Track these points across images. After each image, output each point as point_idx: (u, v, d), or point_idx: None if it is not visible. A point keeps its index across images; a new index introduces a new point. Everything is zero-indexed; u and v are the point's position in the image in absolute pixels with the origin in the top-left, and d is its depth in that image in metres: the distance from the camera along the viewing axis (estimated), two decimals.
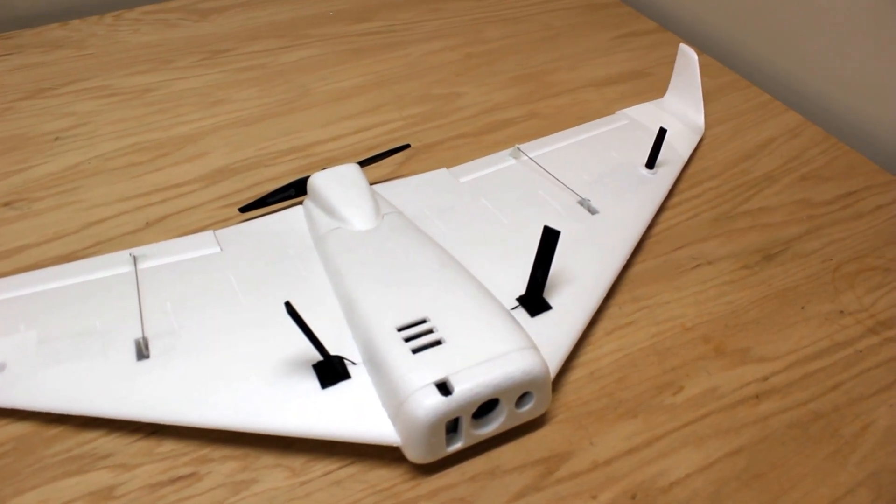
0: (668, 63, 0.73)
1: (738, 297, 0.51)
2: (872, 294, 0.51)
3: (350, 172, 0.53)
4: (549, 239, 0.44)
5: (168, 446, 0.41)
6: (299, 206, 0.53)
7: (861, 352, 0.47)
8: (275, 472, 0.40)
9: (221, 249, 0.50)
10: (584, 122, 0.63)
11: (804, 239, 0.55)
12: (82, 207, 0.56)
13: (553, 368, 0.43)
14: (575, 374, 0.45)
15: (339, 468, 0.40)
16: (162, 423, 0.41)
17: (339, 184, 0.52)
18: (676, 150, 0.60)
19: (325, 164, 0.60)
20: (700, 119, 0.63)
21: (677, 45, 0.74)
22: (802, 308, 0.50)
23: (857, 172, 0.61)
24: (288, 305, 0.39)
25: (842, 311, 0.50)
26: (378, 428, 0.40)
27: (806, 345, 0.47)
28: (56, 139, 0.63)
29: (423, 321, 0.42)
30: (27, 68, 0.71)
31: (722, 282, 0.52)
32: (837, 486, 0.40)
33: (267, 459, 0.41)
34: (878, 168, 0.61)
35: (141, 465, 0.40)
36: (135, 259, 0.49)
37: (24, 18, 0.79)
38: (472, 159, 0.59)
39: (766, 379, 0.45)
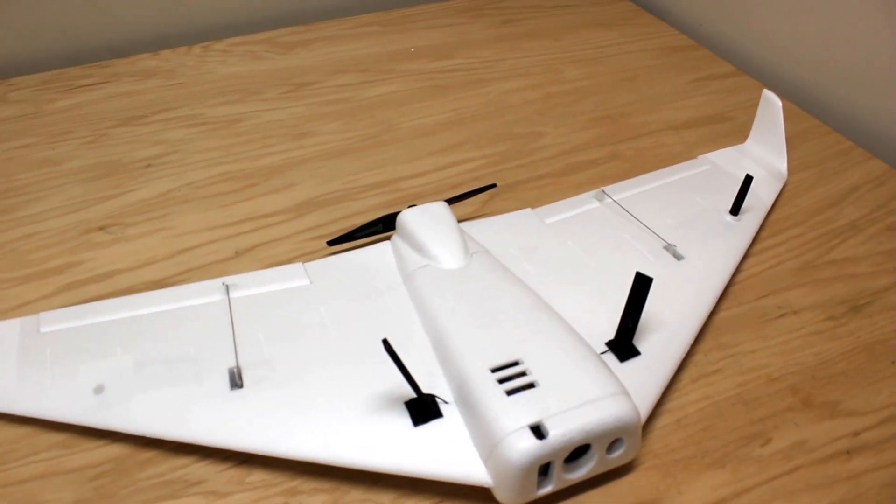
0: (747, 107, 0.73)
1: (826, 349, 0.50)
2: None
3: (439, 210, 0.53)
4: (642, 285, 0.44)
5: (258, 476, 0.42)
6: (387, 242, 0.54)
7: None
8: None
9: (311, 282, 0.51)
10: (666, 165, 0.64)
11: (893, 291, 0.54)
12: (173, 234, 0.58)
13: (643, 415, 0.43)
14: (661, 421, 0.45)
15: None
16: (254, 452, 0.41)
17: (428, 221, 0.52)
18: (760, 197, 0.60)
19: (410, 200, 0.61)
20: (783, 166, 0.63)
21: (755, 90, 0.75)
22: (893, 362, 0.49)
23: None
24: (385, 343, 0.39)
25: None
26: (469, 468, 0.40)
27: None
28: (148, 166, 0.65)
29: (517, 363, 0.42)
30: (121, 96, 0.74)
31: (808, 332, 0.51)
32: None
33: (356, 494, 0.41)
34: None
35: (232, 493, 0.41)
36: (227, 288, 0.50)
37: (118, 48, 0.82)
38: (555, 200, 0.59)
39: (857, 434, 0.45)
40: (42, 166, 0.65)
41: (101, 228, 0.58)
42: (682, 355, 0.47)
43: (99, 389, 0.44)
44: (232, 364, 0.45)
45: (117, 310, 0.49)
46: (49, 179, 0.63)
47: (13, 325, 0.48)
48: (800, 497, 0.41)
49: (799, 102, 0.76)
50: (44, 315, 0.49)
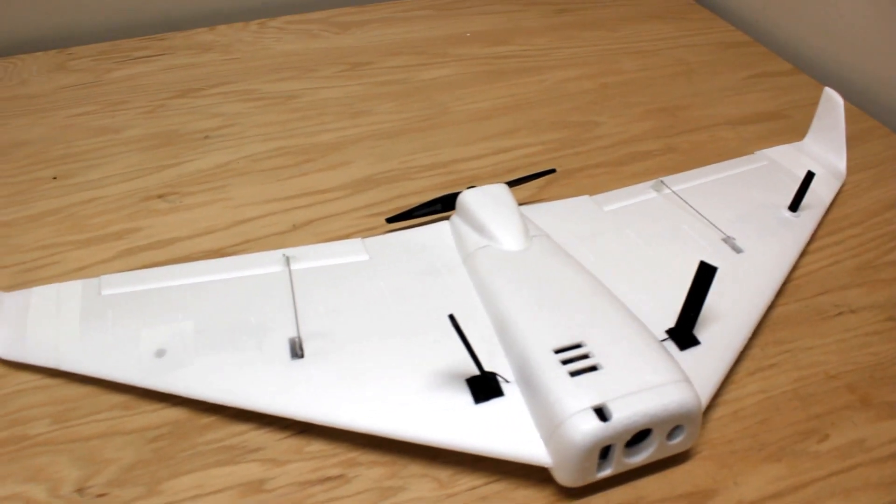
0: (804, 106, 0.72)
1: (884, 349, 0.49)
2: None
3: (500, 192, 0.53)
4: (705, 274, 0.43)
5: (317, 446, 0.42)
6: (445, 222, 0.54)
7: None
8: (422, 482, 0.41)
9: (370, 257, 0.51)
10: (722, 159, 0.63)
11: None
12: (231, 205, 0.58)
13: (702, 403, 0.43)
14: (718, 412, 0.45)
15: (486, 484, 0.41)
16: (313, 422, 0.41)
17: (489, 202, 0.52)
18: (818, 195, 0.59)
19: (467, 182, 0.61)
20: (842, 165, 0.62)
21: (812, 88, 0.74)
22: None
23: None
24: (451, 318, 0.39)
25: None
26: (530, 447, 0.40)
27: None
28: (206, 137, 0.65)
29: (579, 345, 0.42)
30: (178, 69, 0.75)
31: (866, 332, 0.51)
32: None
33: (414, 468, 0.41)
34: None
35: (290, 461, 0.41)
36: (288, 259, 0.51)
37: (175, 21, 0.83)
38: (612, 188, 0.59)
39: None
40: (101, 134, 0.65)
41: (159, 196, 0.59)
42: (741, 347, 0.47)
43: (160, 353, 0.44)
44: (293, 334, 0.45)
45: (178, 276, 0.50)
46: (108, 147, 0.64)
47: (75, 287, 0.49)
48: (858, 495, 0.41)
49: (857, 102, 0.75)
50: (105, 278, 0.49)
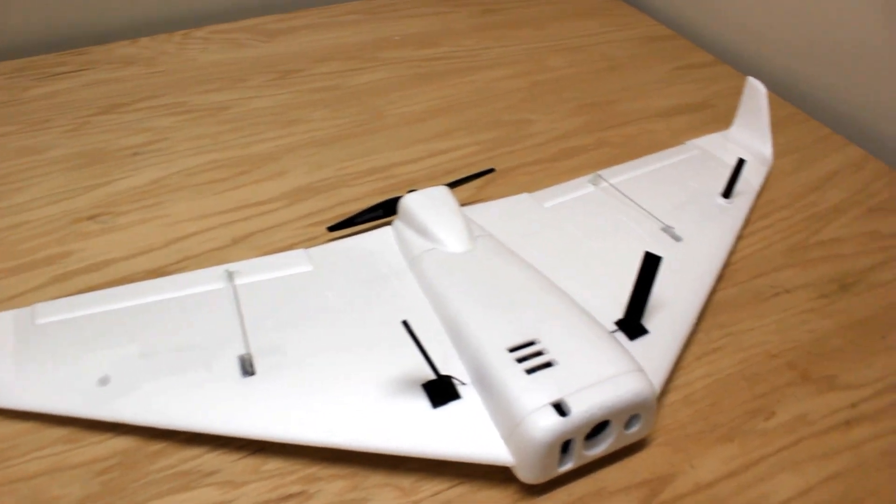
0: (728, 95, 0.74)
1: (820, 326, 0.51)
2: None
3: (441, 194, 0.53)
4: (651, 264, 0.44)
5: (274, 464, 0.41)
6: (388, 227, 0.54)
7: None
8: (385, 492, 0.40)
9: (314, 268, 0.51)
10: (654, 150, 0.65)
11: (877, 270, 0.56)
12: (167, 222, 0.57)
13: (656, 391, 0.44)
14: (670, 398, 0.46)
15: (449, 488, 0.41)
16: (269, 440, 0.41)
17: (431, 206, 0.52)
18: (748, 181, 0.61)
19: (406, 186, 0.61)
20: (768, 151, 0.64)
21: (734, 78, 0.76)
22: (883, 338, 0.50)
23: None
24: (405, 324, 0.39)
25: None
26: (490, 448, 0.40)
27: (890, 373, 0.48)
28: (135, 154, 0.63)
29: (533, 342, 0.42)
30: (100, 84, 0.72)
31: (801, 310, 0.52)
32: None
33: (376, 478, 0.41)
34: None
35: (248, 482, 0.40)
36: (231, 275, 0.50)
37: (94, 35, 0.80)
38: (549, 185, 0.60)
39: (854, 406, 0.46)
40: (23, 155, 0.63)
41: (90, 218, 0.57)
42: (688, 333, 0.48)
43: (104, 380, 0.43)
44: (242, 351, 0.44)
45: (117, 299, 0.48)
46: (32, 168, 0.62)
47: (6, 318, 0.47)
48: (805, 468, 0.43)
49: (777, 90, 0.78)
50: (38, 306, 0.47)
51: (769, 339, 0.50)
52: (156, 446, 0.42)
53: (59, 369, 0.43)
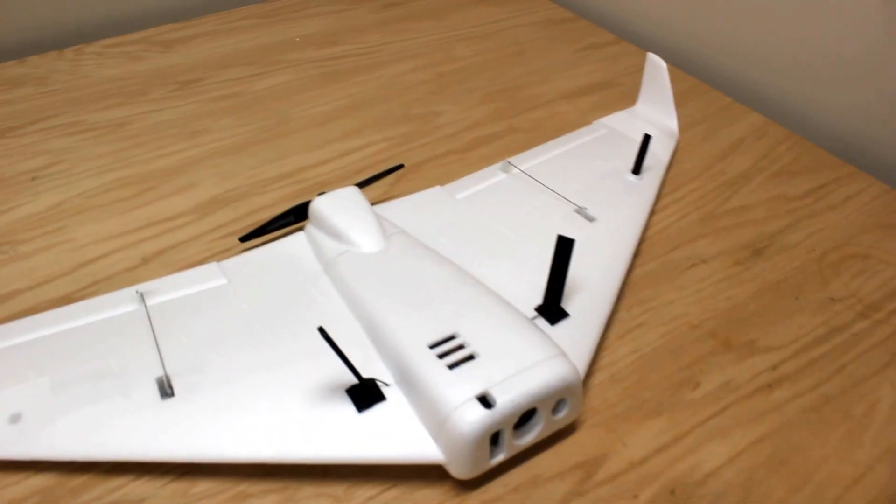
0: (631, 73, 0.75)
1: (737, 293, 0.52)
2: (857, 280, 0.53)
3: (351, 195, 0.53)
4: (565, 247, 0.44)
5: (203, 486, 0.40)
6: (301, 233, 0.53)
7: (857, 335, 0.49)
8: (319, 502, 0.40)
9: (228, 281, 0.49)
10: (563, 133, 0.65)
11: (786, 232, 0.57)
12: (72, 247, 0.54)
13: (580, 374, 0.44)
14: (597, 379, 0.46)
15: (383, 491, 0.40)
16: (195, 461, 0.40)
17: (341, 207, 0.52)
18: (657, 156, 0.62)
19: (316, 189, 0.60)
20: (674, 124, 0.65)
21: (637, 55, 0.77)
22: (797, 298, 0.52)
23: (822, 166, 0.64)
24: (321, 330, 0.39)
25: (832, 299, 0.52)
26: (420, 447, 0.40)
27: (806, 332, 0.50)
28: (33, 178, 0.61)
29: (453, 337, 0.42)
30: None
31: (718, 279, 0.53)
32: (857, 465, 0.42)
33: (308, 490, 0.40)
34: (840, 161, 0.64)
35: None
36: (142, 296, 0.48)
37: None
38: (462, 176, 0.60)
39: (775, 368, 0.47)
40: None
41: None
42: (609, 313, 0.49)
43: (15, 418, 0.41)
44: (159, 373, 0.43)
45: (23, 331, 0.46)
46: None
47: None
48: (733, 433, 0.43)
49: (678, 63, 0.79)
50: None
51: (689, 311, 0.51)
52: (77, 480, 0.40)
53: None
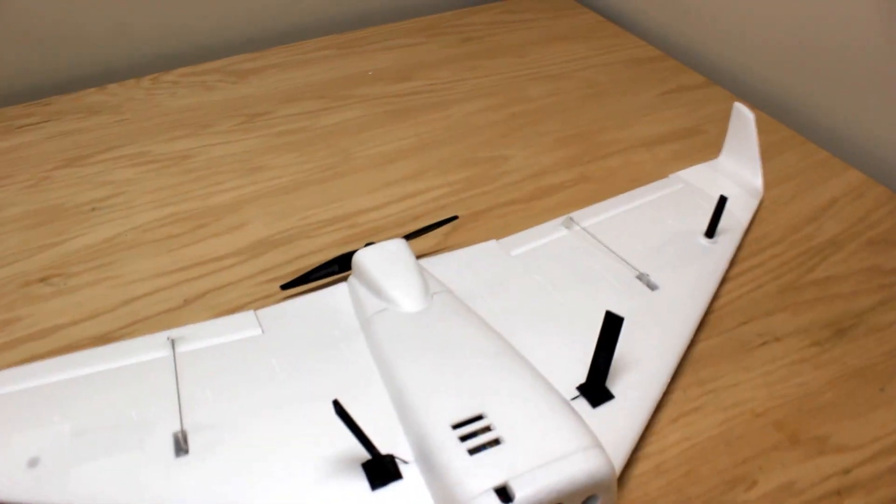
0: (720, 119, 0.70)
1: (811, 378, 0.47)
2: None
3: (397, 249, 0.50)
4: (612, 325, 0.41)
5: None
6: (343, 283, 0.51)
7: None
8: None
9: (263, 331, 0.48)
10: (637, 184, 0.61)
11: (878, 311, 0.51)
12: (120, 283, 0.54)
13: (618, 464, 0.40)
14: (640, 468, 0.42)
15: None
16: None
17: (385, 261, 0.49)
18: (736, 217, 0.57)
19: (368, 235, 0.58)
20: (758, 182, 0.60)
21: (728, 100, 0.72)
22: (882, 390, 0.46)
23: None
24: (336, 404, 0.36)
25: None
26: None
27: (890, 431, 0.44)
28: (93, 209, 0.61)
29: (480, 417, 0.39)
30: (64, 135, 0.70)
31: (792, 360, 0.48)
32: None
33: None
34: None
35: None
36: (173, 343, 0.47)
37: (62, 84, 0.79)
38: (522, 228, 0.56)
39: (847, 472, 0.42)
40: None
41: (41, 280, 0.55)
42: (660, 395, 0.45)
43: (33, 462, 0.40)
44: (177, 428, 0.42)
45: (54, 371, 0.46)
46: None
47: None
48: None
49: (772, 112, 0.73)
50: None
51: (754, 396, 0.46)
52: None
53: None
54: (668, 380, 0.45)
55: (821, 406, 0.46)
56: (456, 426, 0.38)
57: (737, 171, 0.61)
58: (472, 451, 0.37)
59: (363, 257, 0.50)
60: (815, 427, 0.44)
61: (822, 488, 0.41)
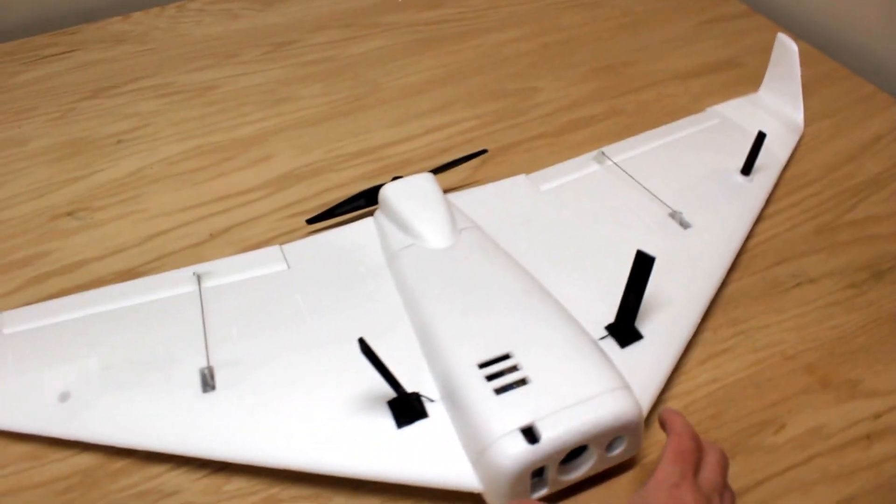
0: (760, 51, 0.67)
1: (845, 321, 0.46)
2: None
3: (424, 183, 0.50)
4: (643, 265, 0.40)
5: (236, 484, 0.39)
6: (370, 218, 0.51)
7: None
8: None
9: (289, 266, 0.48)
10: (671, 119, 0.59)
11: None
12: (144, 217, 0.54)
13: (646, 406, 0.40)
14: (669, 405, 0.42)
15: None
16: (228, 461, 0.39)
17: (412, 196, 0.49)
18: (774, 154, 0.55)
19: (396, 169, 0.57)
20: (799, 117, 0.58)
21: (770, 31, 0.69)
22: None
23: None
24: (362, 342, 0.36)
25: None
26: (458, 473, 0.37)
27: None
28: (118, 142, 0.61)
29: (507, 356, 0.39)
30: (89, 66, 0.69)
31: (826, 303, 0.47)
32: None
33: (339, 500, 0.39)
34: None
35: None
36: (199, 278, 0.47)
37: (86, 12, 0.77)
38: (552, 163, 0.55)
39: (878, 417, 0.41)
40: (6, 147, 0.61)
41: (69, 214, 0.55)
42: (689, 336, 0.44)
43: (64, 397, 0.41)
44: (203, 364, 0.42)
45: (82, 306, 0.46)
46: (14, 162, 0.60)
47: None
48: (816, 489, 0.39)
49: (816, 43, 0.70)
50: (5, 315, 0.46)
51: (786, 338, 0.46)
52: (118, 464, 0.40)
53: (22, 384, 0.42)
54: (698, 320, 0.45)
55: (854, 350, 0.45)
56: (482, 365, 0.38)
57: (777, 106, 0.59)
58: (499, 391, 0.37)
59: (390, 192, 0.49)
60: (847, 371, 0.44)
61: (851, 432, 0.41)
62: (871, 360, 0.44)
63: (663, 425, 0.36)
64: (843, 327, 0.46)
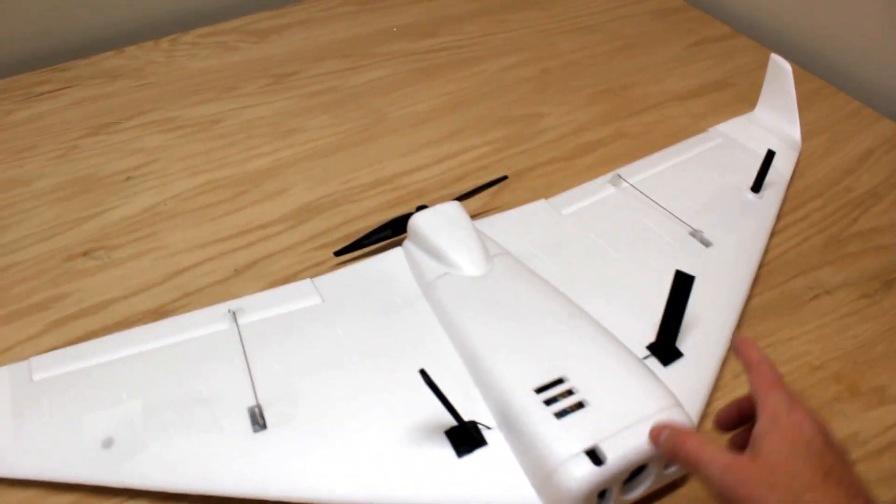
0: (749, 71, 0.70)
1: (864, 330, 0.48)
2: None
3: (453, 211, 0.50)
4: (683, 284, 0.41)
5: None
6: (398, 248, 0.51)
7: None
8: None
9: (323, 300, 0.48)
10: (674, 140, 0.61)
11: None
12: (164, 255, 0.54)
13: (694, 421, 0.41)
14: (708, 423, 0.43)
15: None
16: (287, 500, 0.38)
17: (442, 225, 0.49)
18: (778, 170, 0.57)
19: (414, 198, 0.57)
20: (796, 134, 0.60)
21: (754, 51, 0.72)
22: None
23: None
24: (423, 374, 0.36)
25: None
26: (522, 498, 0.37)
27: None
28: (127, 179, 0.60)
29: (561, 380, 0.39)
30: (87, 102, 0.68)
31: (843, 313, 0.49)
32: None
33: None
34: None
35: None
36: (234, 314, 0.47)
37: (78, 48, 0.76)
38: (567, 186, 0.56)
39: None
40: (9, 188, 0.59)
41: (84, 254, 0.54)
42: (725, 352, 0.45)
43: (108, 442, 0.40)
44: (251, 402, 0.42)
45: (116, 347, 0.45)
46: (19, 202, 0.58)
47: (2, 375, 0.44)
48: None
49: (801, 62, 0.73)
50: (35, 360, 0.45)
51: (810, 349, 0.47)
52: None
53: (61, 431, 0.41)
54: (732, 336, 0.46)
55: (876, 358, 0.47)
56: (539, 390, 0.39)
57: (774, 124, 0.61)
58: (559, 415, 0.38)
59: (420, 221, 0.50)
60: (873, 378, 0.45)
61: (886, 438, 0.42)
62: (893, 367, 0.46)
63: (738, 354, 0.36)
64: (862, 336, 0.48)
